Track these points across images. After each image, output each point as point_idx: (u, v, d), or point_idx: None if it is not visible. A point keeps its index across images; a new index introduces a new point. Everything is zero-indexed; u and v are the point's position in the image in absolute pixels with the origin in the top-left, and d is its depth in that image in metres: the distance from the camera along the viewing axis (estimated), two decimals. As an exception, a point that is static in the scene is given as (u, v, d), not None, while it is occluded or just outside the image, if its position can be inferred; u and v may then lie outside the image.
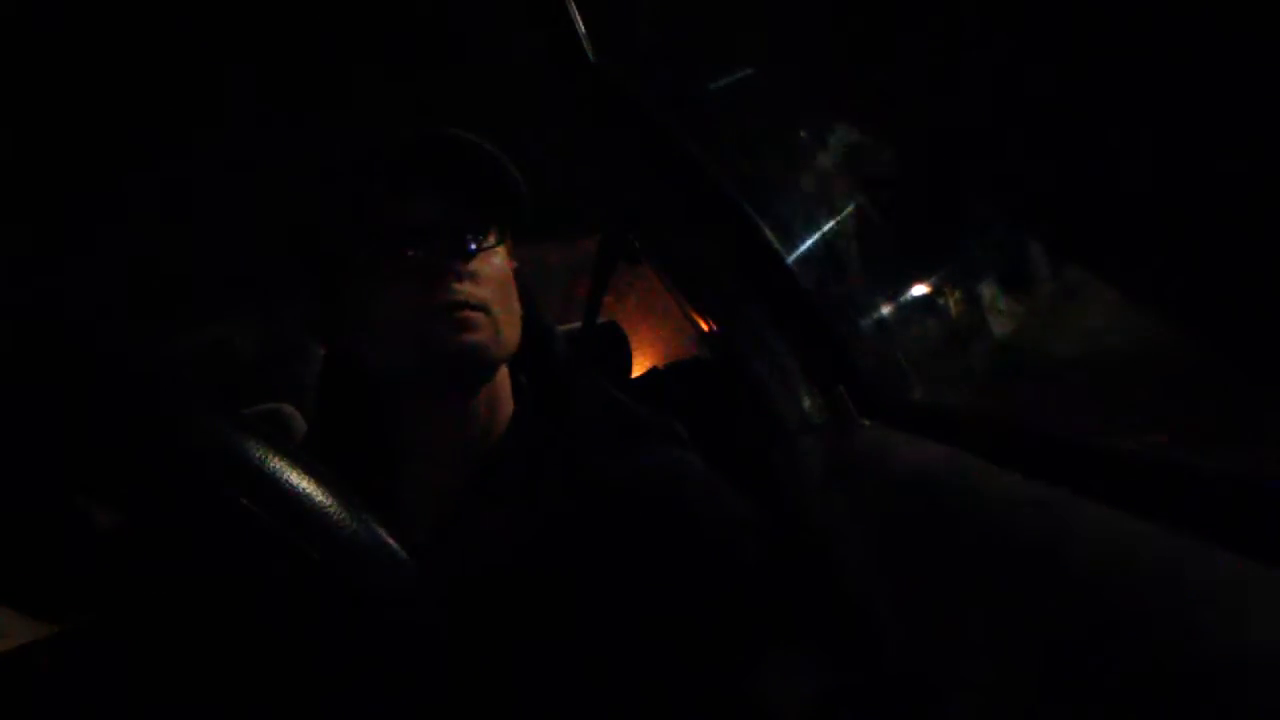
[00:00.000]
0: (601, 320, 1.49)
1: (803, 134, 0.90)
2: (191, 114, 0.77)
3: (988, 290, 0.81)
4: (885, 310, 0.97)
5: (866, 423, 0.73)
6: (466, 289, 0.59)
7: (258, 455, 0.40)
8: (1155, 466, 0.36)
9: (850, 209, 0.94)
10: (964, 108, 0.33)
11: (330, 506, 0.41)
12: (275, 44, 0.70)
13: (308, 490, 0.41)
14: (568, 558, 0.59)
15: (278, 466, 0.40)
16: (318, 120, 0.84)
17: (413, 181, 0.60)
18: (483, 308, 0.60)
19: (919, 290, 0.98)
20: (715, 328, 1.03)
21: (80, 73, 0.66)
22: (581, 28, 0.73)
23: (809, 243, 0.95)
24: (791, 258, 0.87)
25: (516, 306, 0.65)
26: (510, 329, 0.63)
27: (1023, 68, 0.24)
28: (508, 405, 0.68)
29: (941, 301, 0.97)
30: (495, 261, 0.64)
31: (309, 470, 0.41)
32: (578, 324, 1.08)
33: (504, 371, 0.68)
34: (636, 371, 1.51)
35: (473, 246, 0.61)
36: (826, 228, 0.95)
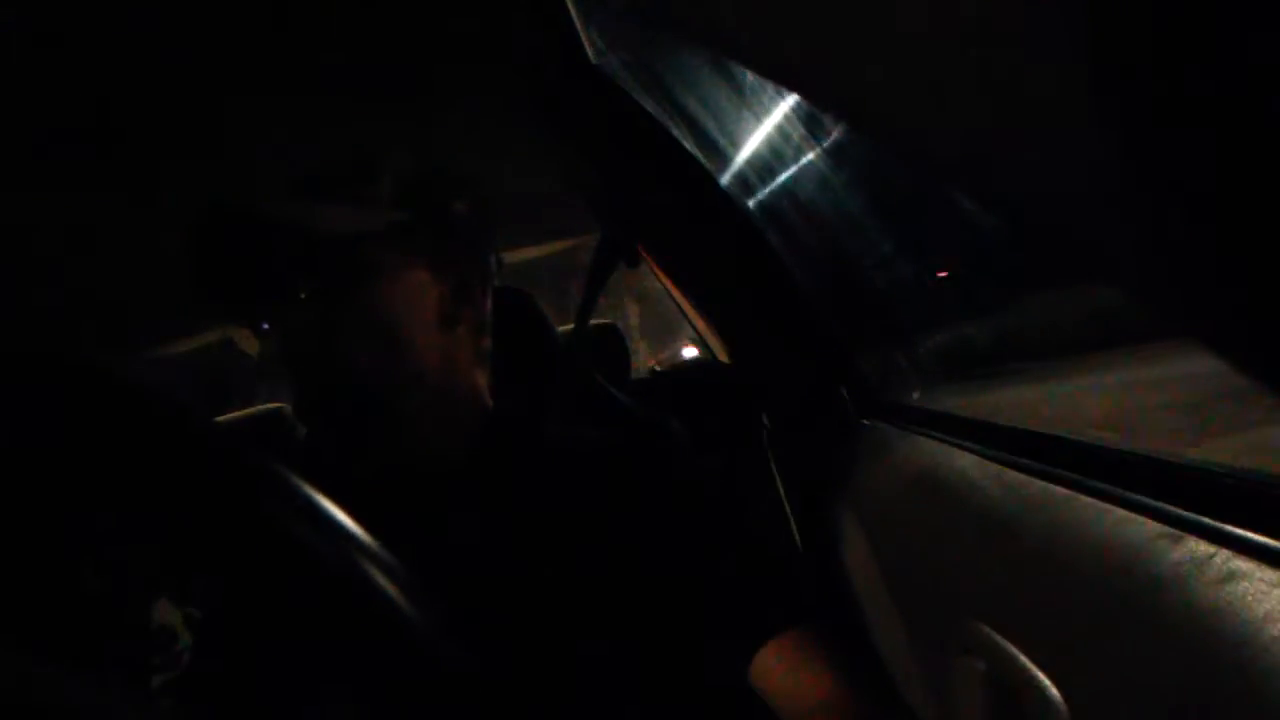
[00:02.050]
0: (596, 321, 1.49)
1: (803, 134, 0.90)
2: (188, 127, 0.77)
3: (987, 287, 0.81)
4: (885, 310, 0.97)
5: (866, 423, 0.73)
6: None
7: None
8: (1155, 466, 0.36)
9: (851, 210, 0.94)
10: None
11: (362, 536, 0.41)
12: (274, 44, 0.70)
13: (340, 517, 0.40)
14: (555, 558, 0.60)
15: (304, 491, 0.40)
16: (317, 130, 0.83)
17: None
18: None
19: (919, 290, 0.98)
20: (715, 328, 1.03)
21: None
22: (581, 28, 0.73)
23: (809, 243, 0.95)
24: (792, 258, 0.87)
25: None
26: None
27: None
28: (476, 406, 0.66)
29: (942, 300, 0.97)
30: None
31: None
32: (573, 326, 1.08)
33: (473, 374, 0.66)
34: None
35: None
36: (827, 228, 0.95)
